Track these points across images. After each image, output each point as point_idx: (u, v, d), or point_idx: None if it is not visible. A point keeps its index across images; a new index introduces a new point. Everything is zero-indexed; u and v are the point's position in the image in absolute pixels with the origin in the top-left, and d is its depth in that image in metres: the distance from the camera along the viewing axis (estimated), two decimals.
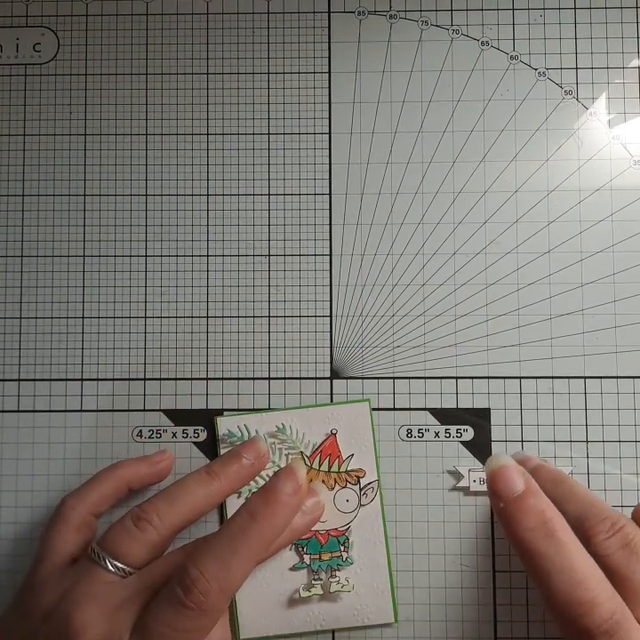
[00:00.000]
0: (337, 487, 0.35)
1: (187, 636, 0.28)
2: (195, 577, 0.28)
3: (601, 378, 0.36)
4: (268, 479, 0.35)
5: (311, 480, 0.35)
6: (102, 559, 0.30)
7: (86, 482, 0.34)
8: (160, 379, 0.37)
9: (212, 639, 0.30)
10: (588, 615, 0.26)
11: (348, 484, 0.35)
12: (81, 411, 0.37)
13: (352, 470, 0.36)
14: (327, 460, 0.35)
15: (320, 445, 0.36)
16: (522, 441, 0.36)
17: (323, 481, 0.35)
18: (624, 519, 0.29)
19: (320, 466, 0.35)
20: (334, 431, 0.36)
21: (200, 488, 0.32)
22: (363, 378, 0.37)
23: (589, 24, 0.38)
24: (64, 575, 0.31)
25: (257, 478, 0.35)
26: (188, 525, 0.32)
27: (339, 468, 0.35)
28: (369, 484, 0.35)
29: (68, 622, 0.29)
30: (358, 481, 0.35)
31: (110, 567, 0.30)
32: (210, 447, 0.36)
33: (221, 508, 0.36)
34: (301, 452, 0.36)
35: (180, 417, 0.37)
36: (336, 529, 0.35)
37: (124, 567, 0.30)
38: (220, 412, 0.37)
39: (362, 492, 0.35)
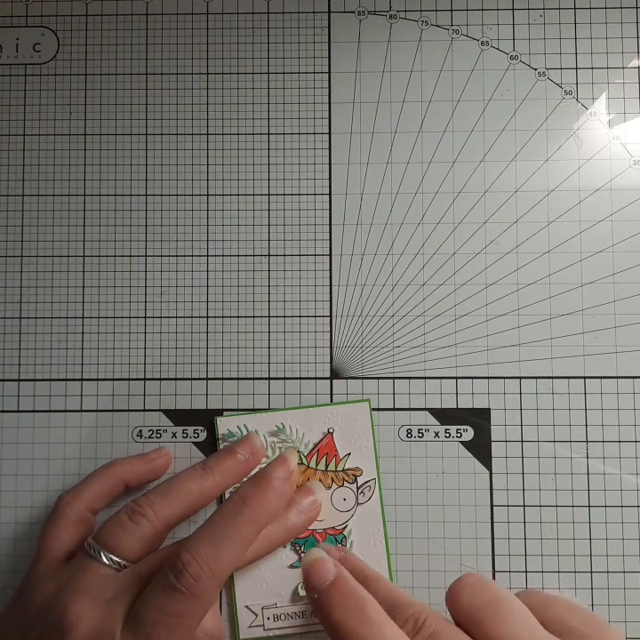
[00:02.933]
0: (334, 486, 0.35)
1: (178, 621, 0.28)
2: (186, 560, 0.29)
3: (601, 378, 0.36)
4: None
5: (308, 479, 0.35)
6: (97, 553, 0.30)
7: (83, 479, 0.34)
8: (160, 379, 0.37)
9: (204, 628, 0.30)
10: None
11: (345, 483, 0.35)
12: (81, 411, 0.37)
13: (349, 469, 0.36)
14: (324, 458, 0.35)
15: (317, 444, 0.36)
16: (522, 441, 0.36)
17: (320, 480, 0.35)
18: (425, 612, 0.29)
19: (317, 464, 0.35)
20: (331, 430, 0.36)
21: (195, 483, 0.33)
22: (362, 378, 0.37)
23: (589, 24, 0.38)
24: (60, 571, 0.31)
25: None
26: (183, 519, 0.32)
27: (335, 467, 0.35)
28: (366, 482, 0.36)
29: (63, 615, 0.29)
30: (355, 480, 0.35)
31: (105, 560, 0.30)
32: (210, 447, 0.36)
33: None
34: (298, 451, 0.36)
35: (179, 417, 0.37)
36: (333, 528, 0.35)
37: (119, 560, 0.30)
38: (219, 413, 0.37)
39: (359, 491, 0.35)
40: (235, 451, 0.34)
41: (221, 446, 0.36)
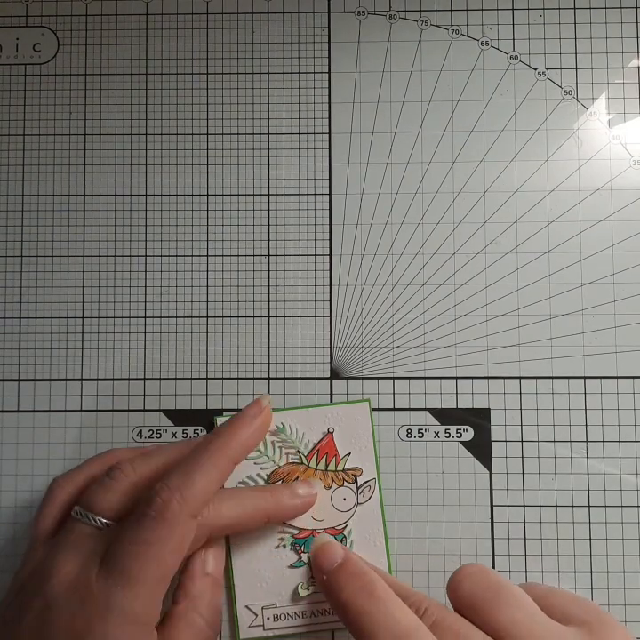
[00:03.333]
0: (334, 486, 0.35)
1: (148, 549, 0.28)
2: (159, 488, 0.29)
3: (601, 378, 0.36)
4: (263, 477, 0.35)
5: (308, 478, 0.35)
6: (80, 514, 0.31)
7: (78, 465, 0.35)
8: (160, 379, 0.37)
9: (201, 611, 0.31)
10: None
11: (345, 483, 0.35)
12: (81, 411, 0.37)
13: (349, 469, 0.36)
14: (324, 458, 0.35)
15: (317, 444, 0.36)
16: (522, 441, 0.36)
17: (320, 479, 0.35)
18: (426, 601, 0.29)
19: (317, 464, 0.35)
20: (331, 430, 0.36)
21: (180, 443, 0.33)
22: (362, 378, 0.37)
23: (589, 24, 0.38)
24: (49, 542, 0.31)
25: (257, 478, 0.35)
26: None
27: (335, 467, 0.35)
28: (366, 482, 0.35)
29: (46, 570, 0.29)
30: (355, 479, 0.35)
31: (88, 520, 0.30)
32: None
33: None
34: (298, 451, 0.36)
35: (179, 417, 0.37)
36: (333, 528, 0.35)
37: (101, 519, 0.30)
38: (219, 413, 0.37)
39: (359, 491, 0.35)
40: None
41: None
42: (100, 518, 0.30)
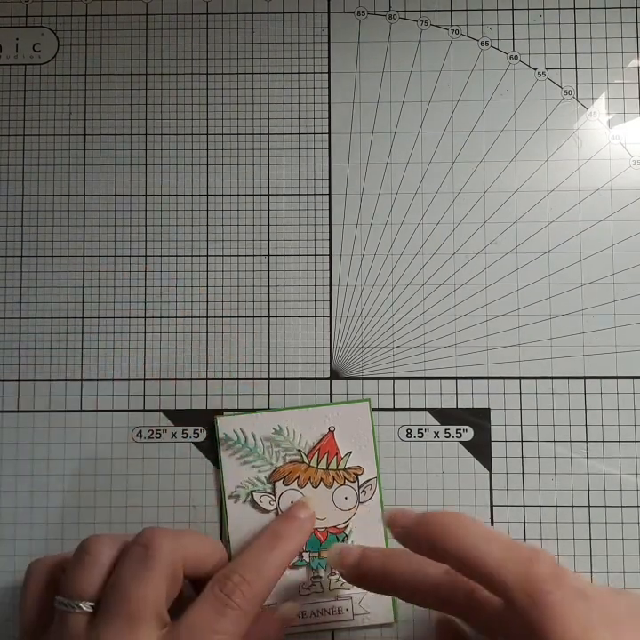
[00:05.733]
0: (335, 485, 0.35)
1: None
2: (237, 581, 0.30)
3: (600, 378, 0.36)
4: (263, 479, 0.35)
5: (309, 479, 0.35)
6: (65, 605, 0.29)
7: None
8: (160, 379, 0.37)
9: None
10: (538, 561, 0.26)
11: (347, 482, 0.35)
12: (80, 411, 0.37)
13: (350, 468, 0.36)
14: (325, 457, 0.35)
15: (318, 443, 0.36)
16: (521, 441, 0.36)
17: (321, 479, 0.35)
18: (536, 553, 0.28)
19: (318, 463, 0.35)
20: (332, 429, 0.36)
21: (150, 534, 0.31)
22: (362, 378, 0.37)
23: (589, 24, 0.38)
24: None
25: (256, 481, 0.35)
26: None
27: (337, 466, 0.35)
28: (367, 481, 0.36)
29: None
30: (356, 478, 0.35)
31: (73, 608, 0.29)
32: (210, 447, 0.36)
33: (221, 512, 0.36)
34: (298, 451, 0.36)
35: (179, 417, 0.37)
36: (335, 526, 0.35)
37: (88, 603, 0.29)
38: (219, 413, 0.37)
39: (360, 490, 0.35)
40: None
41: (222, 449, 0.36)
42: (86, 603, 0.29)
